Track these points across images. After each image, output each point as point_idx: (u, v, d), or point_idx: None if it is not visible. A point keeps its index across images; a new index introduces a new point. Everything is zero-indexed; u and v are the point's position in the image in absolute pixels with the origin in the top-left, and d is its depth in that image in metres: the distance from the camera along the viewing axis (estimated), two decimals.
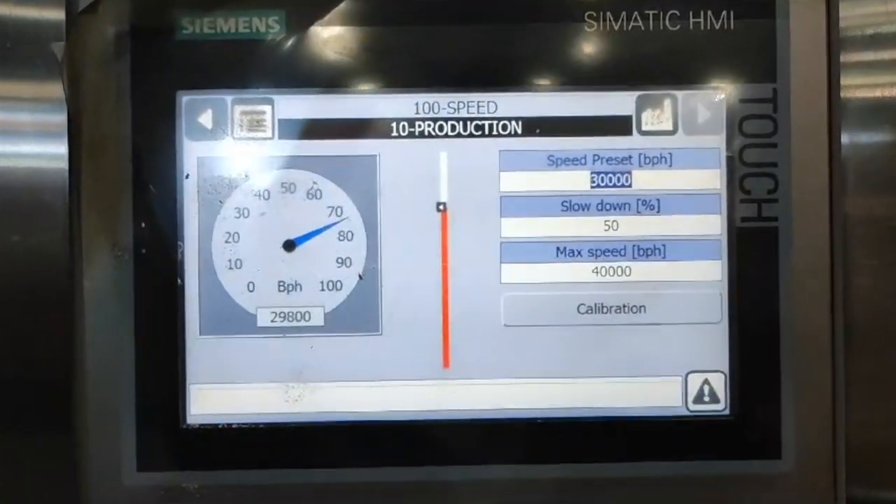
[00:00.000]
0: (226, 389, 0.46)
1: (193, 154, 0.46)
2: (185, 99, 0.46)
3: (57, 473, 0.44)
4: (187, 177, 0.46)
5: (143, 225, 0.45)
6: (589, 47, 0.46)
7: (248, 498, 0.45)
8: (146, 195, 0.45)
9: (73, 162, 0.44)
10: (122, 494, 0.45)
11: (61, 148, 0.44)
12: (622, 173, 0.45)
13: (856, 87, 0.44)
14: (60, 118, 0.44)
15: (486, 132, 0.46)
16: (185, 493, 0.45)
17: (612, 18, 0.46)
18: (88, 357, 0.45)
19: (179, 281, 0.45)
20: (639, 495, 0.44)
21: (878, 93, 0.44)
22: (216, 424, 0.45)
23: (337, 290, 0.46)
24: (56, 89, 0.44)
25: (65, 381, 0.44)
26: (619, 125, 0.45)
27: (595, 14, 0.46)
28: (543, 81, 0.46)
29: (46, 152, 0.44)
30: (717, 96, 0.45)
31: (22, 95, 0.44)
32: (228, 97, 0.46)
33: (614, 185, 0.45)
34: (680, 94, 0.45)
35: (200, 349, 0.46)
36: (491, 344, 0.45)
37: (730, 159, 0.45)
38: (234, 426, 0.46)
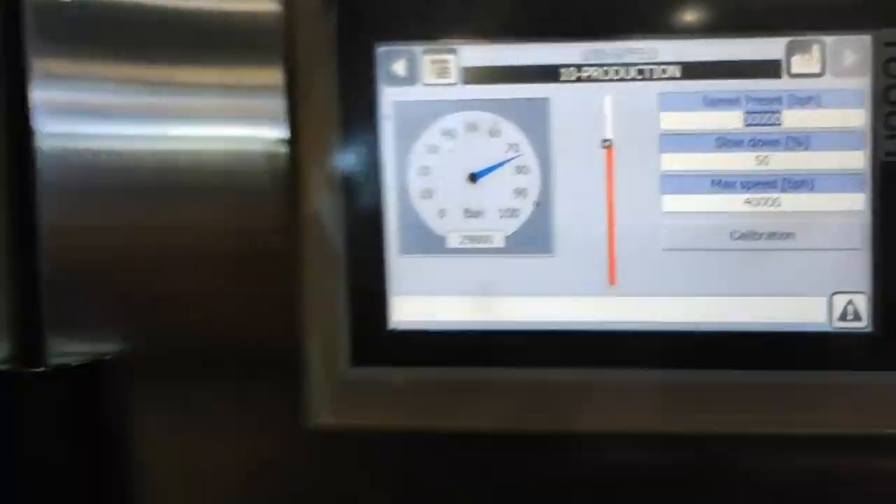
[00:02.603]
0: (422, 300, 0.54)
1: (390, 98, 0.53)
2: (381, 50, 0.53)
3: (286, 370, 0.54)
4: (386, 118, 0.53)
5: (351, 160, 0.53)
6: None
7: (441, 389, 0.54)
8: (352, 135, 0.53)
9: (291, 110, 0.53)
10: (340, 385, 0.55)
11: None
12: (773, 112, 0.50)
13: None
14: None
15: (647, 76, 0.51)
16: (389, 384, 0.55)
17: None
18: (310, 274, 0.54)
19: (382, 209, 0.54)
20: (785, 399, 0.51)
21: None
22: (414, 329, 0.54)
23: (515, 216, 0.53)
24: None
25: (293, 293, 0.53)
26: (770, 69, 0.50)
27: None
28: (699, 29, 0.50)
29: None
30: (862, 41, 0.49)
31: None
32: (419, 48, 0.53)
33: (765, 125, 0.50)
34: (828, 39, 0.49)
35: (400, 266, 0.54)
36: (652, 265, 0.52)
37: (874, 99, 0.49)
38: (429, 331, 0.54)
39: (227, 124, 0.54)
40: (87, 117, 0.55)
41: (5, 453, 0.54)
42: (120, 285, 0.56)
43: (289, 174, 0.52)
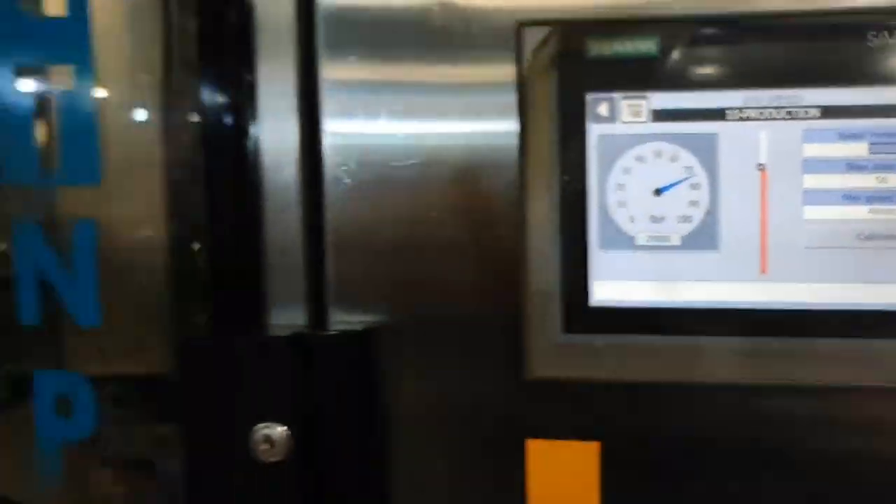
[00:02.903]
0: (615, 284, 0.72)
1: (595, 133, 0.71)
2: (590, 97, 0.71)
3: (511, 337, 0.72)
4: (592, 147, 0.71)
5: (566, 177, 0.72)
6: (871, 55, 0.67)
7: (629, 352, 0.72)
8: (567, 158, 0.71)
9: (522, 135, 0.71)
10: (554, 347, 0.73)
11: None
12: (892, 143, 0.66)
13: None
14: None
15: (794, 116, 0.68)
16: (592, 347, 0.72)
17: (887, 34, 0.66)
18: (533, 262, 0.72)
19: (587, 215, 0.72)
20: None
21: None
22: (609, 306, 0.72)
23: (689, 222, 0.70)
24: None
25: (519, 277, 0.72)
26: (890, 111, 0.66)
27: (875, 32, 0.66)
28: (835, 80, 0.67)
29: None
30: None
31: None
32: (618, 95, 0.71)
33: (885, 153, 0.66)
34: None
35: (600, 258, 0.72)
36: (795, 259, 0.68)
37: None
38: (620, 307, 0.72)
39: (465, 121, 0.73)
40: (362, 117, 0.75)
41: (307, 401, 0.73)
42: (385, 266, 0.75)
43: (519, 185, 0.71)
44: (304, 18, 0.75)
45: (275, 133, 0.76)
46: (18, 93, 0.76)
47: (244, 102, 0.76)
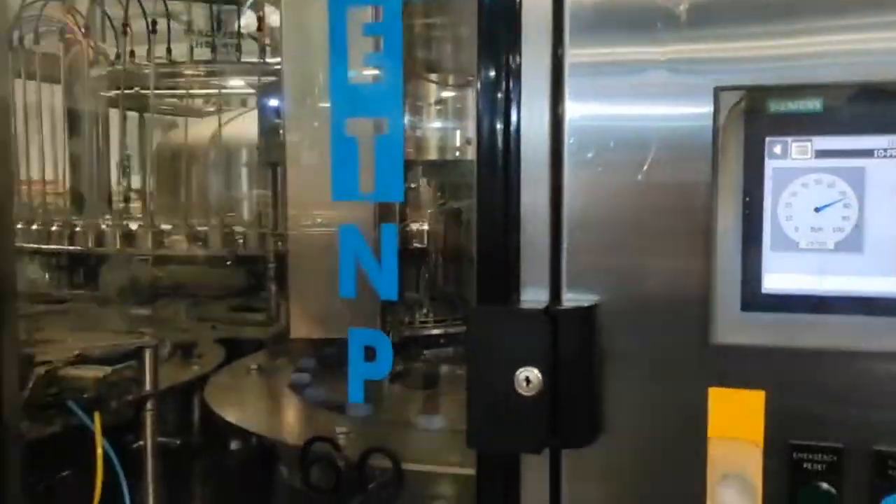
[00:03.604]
0: (782, 276, 0.98)
1: (771, 166, 0.97)
2: (768, 139, 0.97)
3: (701, 315, 0.99)
4: (768, 178, 0.97)
5: (747, 198, 0.97)
6: None
7: (794, 325, 0.97)
8: (749, 184, 0.97)
9: (714, 167, 0.97)
10: (734, 321, 0.99)
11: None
12: None
13: None
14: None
15: None
16: (762, 322, 0.98)
17: None
18: (720, 256, 0.99)
19: (763, 226, 0.97)
20: None
21: None
22: (778, 293, 0.98)
23: (841, 232, 0.95)
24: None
25: (708, 266, 0.98)
26: None
27: None
28: None
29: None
30: None
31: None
32: (790, 139, 0.96)
33: None
34: None
35: (771, 257, 0.98)
36: None
37: None
38: (787, 293, 0.98)
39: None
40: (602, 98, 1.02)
41: (553, 354, 1.02)
42: (605, 248, 1.03)
43: (711, 204, 0.98)
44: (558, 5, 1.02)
45: (530, 111, 1.04)
46: (347, 138, 1.08)
47: (510, 84, 1.03)
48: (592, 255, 1.04)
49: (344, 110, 1.10)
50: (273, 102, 2.70)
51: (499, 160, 1.05)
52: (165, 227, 3.24)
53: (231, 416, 1.98)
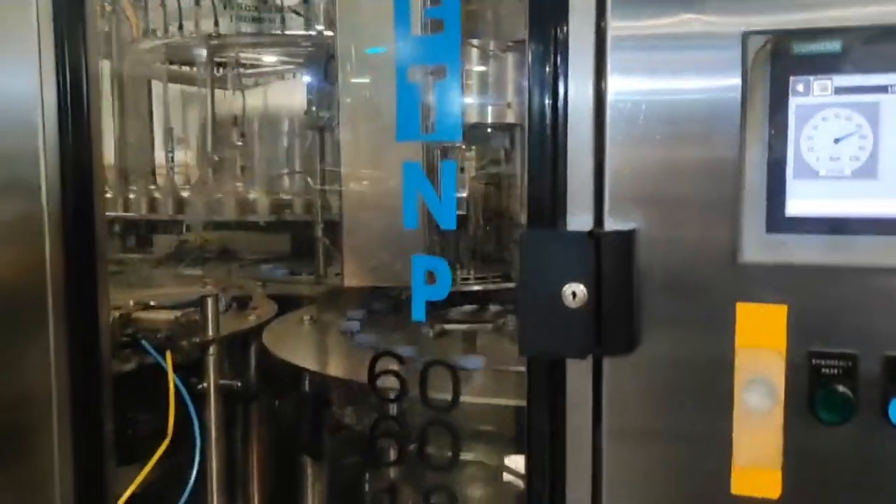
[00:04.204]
0: (805, 201, 1.09)
1: (794, 103, 1.08)
2: (792, 78, 1.08)
3: (728, 232, 1.11)
4: (791, 113, 1.08)
5: (773, 132, 1.09)
6: None
7: (813, 246, 1.09)
8: (775, 119, 1.08)
9: (744, 104, 1.09)
10: (759, 242, 1.11)
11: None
12: None
13: None
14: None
15: None
16: (785, 243, 1.10)
17: None
18: (748, 183, 1.10)
19: (786, 155, 1.09)
20: None
21: None
22: (801, 216, 1.09)
23: (857, 160, 1.07)
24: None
25: (736, 196, 1.10)
26: None
27: None
28: None
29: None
30: None
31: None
32: (811, 77, 1.07)
33: None
34: None
35: (794, 184, 1.09)
36: None
37: None
38: (808, 216, 1.09)
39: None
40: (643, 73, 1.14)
41: (596, 271, 1.14)
42: (642, 185, 1.15)
43: (740, 137, 1.09)
44: None
45: (576, 82, 1.16)
46: (410, 85, 1.22)
47: (557, 57, 1.15)
48: (632, 186, 1.16)
49: (407, 59, 1.23)
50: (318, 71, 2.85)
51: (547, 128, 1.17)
52: (217, 195, 3.39)
53: (290, 358, 2.13)
